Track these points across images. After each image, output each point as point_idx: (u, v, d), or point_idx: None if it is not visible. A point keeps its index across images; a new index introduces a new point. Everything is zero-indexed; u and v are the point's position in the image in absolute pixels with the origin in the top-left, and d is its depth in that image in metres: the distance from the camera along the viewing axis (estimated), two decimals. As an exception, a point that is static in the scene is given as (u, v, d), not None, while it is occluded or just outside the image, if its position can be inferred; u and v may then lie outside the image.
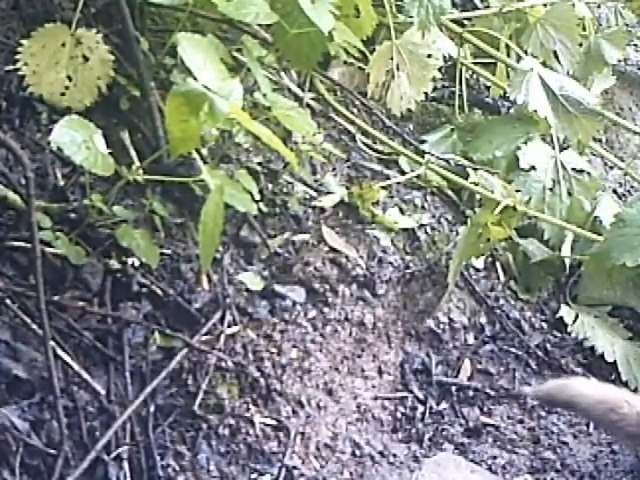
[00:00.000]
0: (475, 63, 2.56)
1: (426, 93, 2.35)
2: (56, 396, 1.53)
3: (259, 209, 1.90)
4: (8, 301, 1.59)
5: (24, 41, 1.76)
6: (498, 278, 2.28)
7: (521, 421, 2.07)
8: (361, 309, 2.01)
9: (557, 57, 2.53)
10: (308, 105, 2.15)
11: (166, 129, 1.69)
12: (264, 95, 1.88)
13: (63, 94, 1.77)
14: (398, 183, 2.24)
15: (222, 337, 1.79)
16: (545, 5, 2.56)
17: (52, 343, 1.57)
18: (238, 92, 1.47)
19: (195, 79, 1.54)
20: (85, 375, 1.63)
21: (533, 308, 2.29)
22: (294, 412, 1.82)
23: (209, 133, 1.84)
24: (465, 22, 2.50)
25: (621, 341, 2.22)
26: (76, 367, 1.63)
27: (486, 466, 1.91)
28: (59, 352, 1.61)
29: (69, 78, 1.77)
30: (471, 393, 2.09)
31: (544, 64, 2.47)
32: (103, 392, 1.63)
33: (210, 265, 1.75)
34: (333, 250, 2.01)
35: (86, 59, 1.79)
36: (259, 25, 1.95)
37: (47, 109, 1.79)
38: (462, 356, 2.13)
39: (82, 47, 1.79)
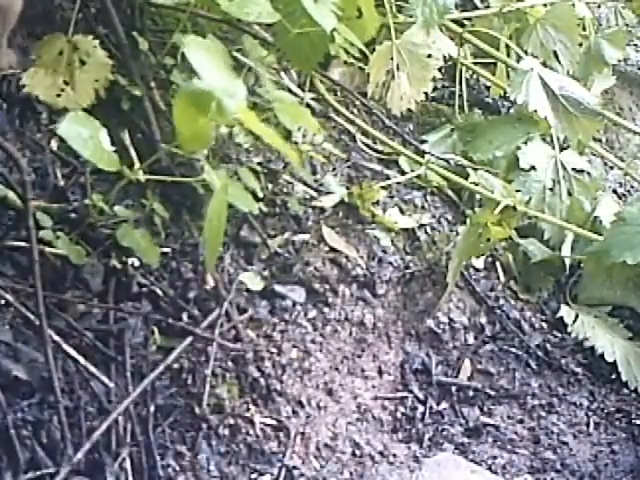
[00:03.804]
0: (475, 63, 2.56)
1: (426, 93, 2.35)
2: (57, 396, 1.53)
3: (259, 209, 1.90)
4: (8, 300, 1.59)
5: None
6: (498, 278, 2.28)
7: (521, 421, 2.07)
8: (361, 309, 2.01)
9: (557, 57, 2.53)
10: (308, 105, 2.15)
11: (162, 130, 1.69)
12: (267, 92, 1.88)
13: (59, 95, 1.77)
14: (398, 183, 2.24)
15: (221, 337, 1.79)
16: (545, 5, 2.56)
17: (54, 343, 1.57)
18: (242, 92, 1.48)
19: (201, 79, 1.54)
20: (92, 369, 1.63)
21: (533, 308, 2.29)
22: (294, 412, 1.82)
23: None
24: (465, 22, 2.50)
25: (621, 341, 2.22)
26: (82, 361, 1.62)
27: (486, 466, 1.91)
28: (62, 350, 1.61)
29: (65, 83, 1.78)
30: (471, 393, 2.09)
31: (544, 64, 2.47)
32: (111, 385, 1.63)
33: (215, 262, 1.75)
34: (333, 250, 2.01)
35: (83, 63, 1.79)
36: (259, 25, 1.95)
37: (47, 109, 1.79)
38: (462, 356, 2.13)
39: (79, 52, 1.79)
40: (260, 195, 1.91)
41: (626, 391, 2.19)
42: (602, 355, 2.19)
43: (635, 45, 3.16)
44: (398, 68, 2.27)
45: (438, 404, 2.04)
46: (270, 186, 2.01)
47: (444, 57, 2.37)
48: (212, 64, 1.50)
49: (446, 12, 2.20)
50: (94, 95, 1.80)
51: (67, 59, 1.78)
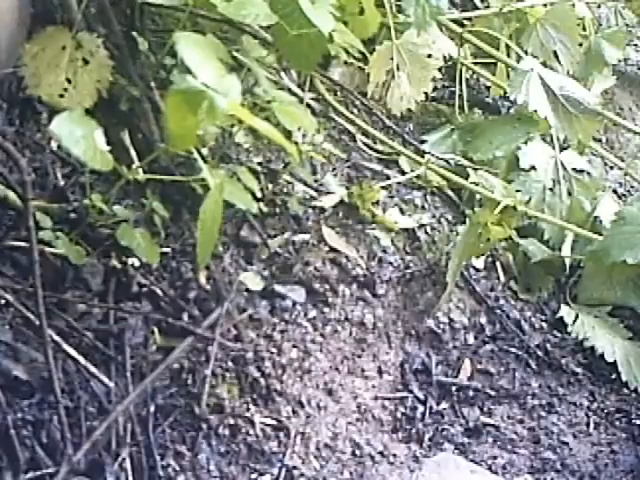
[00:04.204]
0: (475, 63, 2.56)
1: (426, 93, 2.35)
2: (57, 396, 1.53)
3: (259, 209, 1.90)
4: (8, 300, 1.59)
5: (25, 44, 1.75)
6: (498, 278, 2.28)
7: (521, 421, 2.07)
8: (361, 309, 2.01)
9: (557, 57, 2.53)
10: (308, 105, 2.15)
11: (162, 130, 1.69)
12: (264, 91, 1.88)
13: (62, 96, 1.77)
14: (398, 183, 2.24)
15: (221, 337, 1.79)
16: (545, 5, 2.56)
17: (54, 343, 1.57)
18: (236, 89, 1.47)
19: (194, 77, 1.53)
20: (92, 369, 1.63)
21: (533, 308, 2.29)
22: (294, 412, 1.82)
23: (209, 133, 1.84)
24: (465, 22, 2.50)
25: (621, 341, 2.22)
26: (82, 361, 1.63)
27: (486, 466, 1.91)
28: (62, 350, 1.61)
29: (68, 80, 1.77)
30: (471, 393, 2.09)
31: (544, 64, 2.47)
32: (112, 385, 1.63)
33: (208, 262, 1.75)
34: (333, 250, 2.01)
35: (86, 62, 1.79)
36: (259, 25, 1.95)
37: (47, 109, 1.79)
38: (462, 356, 2.13)
39: (83, 50, 1.78)
40: (259, 195, 1.91)
41: (626, 391, 2.19)
42: (602, 355, 2.19)
43: (635, 45, 3.16)
44: (398, 68, 2.27)
45: (438, 404, 2.04)
46: (270, 186, 2.01)
47: (444, 57, 2.37)
48: (205, 60, 1.49)
49: (439, 13, 2.18)
50: (97, 95, 1.79)
51: (70, 56, 1.78)
